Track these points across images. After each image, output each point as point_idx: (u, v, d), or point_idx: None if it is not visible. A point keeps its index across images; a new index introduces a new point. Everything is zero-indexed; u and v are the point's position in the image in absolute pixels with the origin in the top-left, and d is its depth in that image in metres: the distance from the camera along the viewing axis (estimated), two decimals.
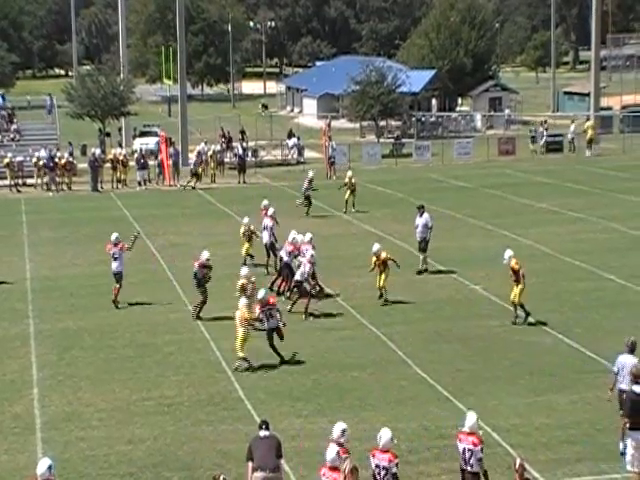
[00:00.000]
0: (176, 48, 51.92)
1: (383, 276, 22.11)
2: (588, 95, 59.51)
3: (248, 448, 12.30)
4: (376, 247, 22.17)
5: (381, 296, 22.20)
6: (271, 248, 25.01)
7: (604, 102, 62.33)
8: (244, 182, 42.57)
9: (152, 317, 21.79)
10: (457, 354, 18.68)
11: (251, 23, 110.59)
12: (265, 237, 25.13)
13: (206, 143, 45.58)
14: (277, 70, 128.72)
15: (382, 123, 58.49)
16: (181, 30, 50.28)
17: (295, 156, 49.89)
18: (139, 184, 42.08)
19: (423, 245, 24.95)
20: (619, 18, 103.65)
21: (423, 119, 62.14)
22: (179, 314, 21.94)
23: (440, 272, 24.98)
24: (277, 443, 12.29)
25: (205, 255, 21.30)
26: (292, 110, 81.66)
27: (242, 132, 53.88)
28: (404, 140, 53.86)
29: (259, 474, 12.07)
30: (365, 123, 59.40)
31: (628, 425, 12.85)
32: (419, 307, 22.00)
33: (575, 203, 33.50)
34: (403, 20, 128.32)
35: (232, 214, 34.24)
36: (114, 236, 22.64)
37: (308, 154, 50.50)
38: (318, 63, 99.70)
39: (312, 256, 21.93)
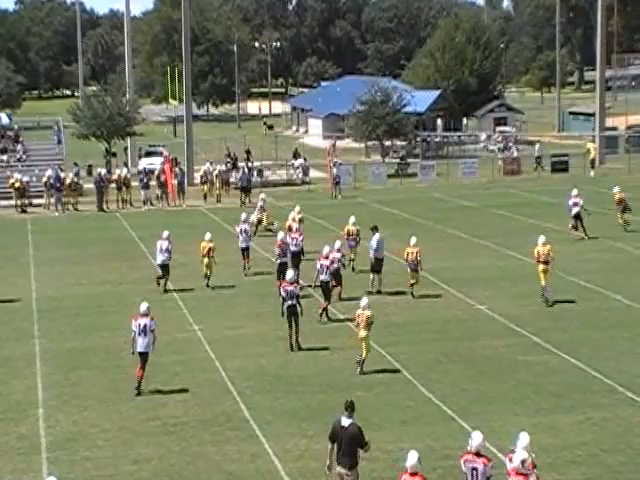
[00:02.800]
0: (182, 68, 52.23)
1: None
2: (593, 115, 59.63)
3: (332, 431, 12.72)
4: (365, 302, 19.22)
5: None
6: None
7: (609, 122, 62.44)
8: (249, 201, 42.65)
9: (158, 337, 21.77)
10: (463, 374, 18.64)
11: (256, 43, 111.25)
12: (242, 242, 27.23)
13: (211, 163, 45.74)
14: (282, 90, 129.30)
15: (387, 143, 58.64)
16: (187, 50, 50.59)
17: (300, 176, 50.03)
18: (144, 203, 42.22)
19: (377, 266, 24.64)
20: (624, 38, 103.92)
21: (428, 139, 62.30)
22: (185, 334, 21.95)
23: (446, 292, 24.97)
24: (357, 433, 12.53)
25: None
26: (297, 130, 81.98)
27: (247, 152, 54.07)
28: (409, 160, 53.99)
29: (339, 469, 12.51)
30: (370, 143, 59.57)
31: None
32: (425, 327, 21.98)
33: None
34: (408, 40, 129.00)
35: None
36: (144, 306, 18.20)
37: (313, 174, 50.64)
38: (323, 83, 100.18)
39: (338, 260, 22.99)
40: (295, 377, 18.78)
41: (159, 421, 16.74)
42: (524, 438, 11.72)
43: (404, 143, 60.47)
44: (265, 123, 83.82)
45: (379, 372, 18.93)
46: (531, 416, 16.35)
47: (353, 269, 26.85)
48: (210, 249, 25.74)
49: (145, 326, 17.89)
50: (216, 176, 44.59)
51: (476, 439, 11.75)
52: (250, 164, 48.99)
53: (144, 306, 18.14)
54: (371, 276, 25.06)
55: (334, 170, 45.14)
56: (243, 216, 28.31)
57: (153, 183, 43.43)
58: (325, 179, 48.00)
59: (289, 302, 20.26)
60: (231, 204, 42.64)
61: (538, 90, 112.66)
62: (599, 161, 50.98)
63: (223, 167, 46.96)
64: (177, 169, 44.18)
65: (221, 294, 25.42)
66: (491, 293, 24.39)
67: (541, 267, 23.29)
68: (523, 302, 23.73)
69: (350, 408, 12.84)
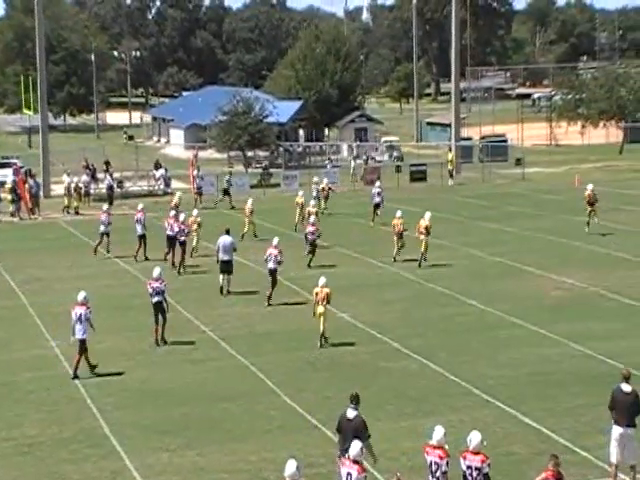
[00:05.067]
0: (36, 77, 50.71)
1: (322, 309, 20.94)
2: (449, 125, 61.42)
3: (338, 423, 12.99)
4: (322, 280, 20.92)
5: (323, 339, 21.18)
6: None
7: (464, 132, 64.48)
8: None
9: (11, 354, 21.02)
10: (326, 382, 18.78)
11: (115, 52, 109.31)
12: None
13: (69, 175, 44.58)
14: (143, 100, 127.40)
15: (250, 153, 58.64)
16: (41, 59, 49.16)
17: (162, 187, 49.37)
18: None
19: (223, 267, 25.50)
20: (477, 52, 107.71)
21: (291, 149, 62.69)
22: (41, 350, 21.25)
23: (309, 301, 25.13)
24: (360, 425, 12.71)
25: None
26: (159, 140, 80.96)
27: (106, 163, 52.97)
28: (272, 170, 54.16)
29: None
30: (233, 153, 59.43)
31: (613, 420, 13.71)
32: (288, 336, 22.04)
33: (438, 230, 34.26)
34: (269, 51, 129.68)
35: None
36: (81, 296, 19.44)
37: (175, 185, 50.07)
38: (185, 93, 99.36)
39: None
40: (157, 391, 18.47)
41: (13, 441, 16.12)
42: (439, 431, 12.07)
43: (267, 153, 60.62)
44: (126, 132, 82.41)
45: (242, 383, 18.85)
46: (393, 421, 16.62)
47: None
48: (199, 224, 30.47)
49: (81, 315, 18.98)
50: (74, 188, 43.49)
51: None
52: (110, 175, 48.00)
53: (81, 295, 19.32)
54: (220, 277, 25.59)
55: (197, 180, 44.78)
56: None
57: (3, 195, 42.02)
58: (188, 189, 47.53)
59: (155, 298, 20.80)
60: (90, 216, 41.64)
61: (397, 101, 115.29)
62: (456, 170, 52.52)
63: (85, 178, 45.86)
64: (32, 181, 42.83)
65: None
66: (353, 301, 24.69)
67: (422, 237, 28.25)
68: (384, 309, 24.16)
69: (355, 400, 13.14)
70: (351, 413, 13.09)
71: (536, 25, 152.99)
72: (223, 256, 25.65)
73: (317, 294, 20.89)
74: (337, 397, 17.88)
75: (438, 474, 11.95)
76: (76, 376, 19.04)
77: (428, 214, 29.15)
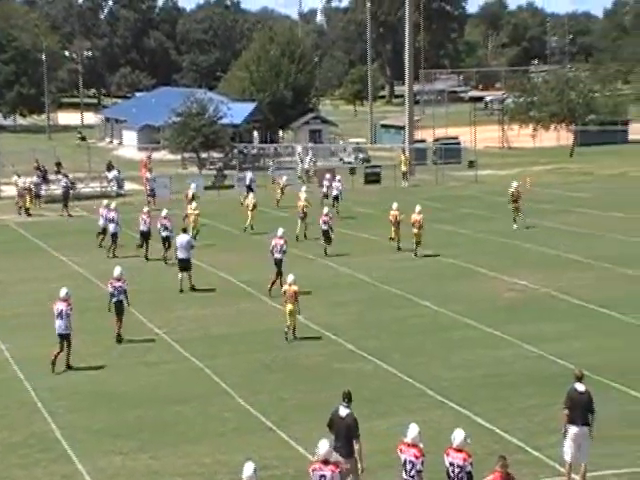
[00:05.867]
0: None
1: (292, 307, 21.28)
2: (403, 128, 61.73)
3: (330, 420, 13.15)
4: (291, 278, 21.40)
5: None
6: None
7: (418, 135, 64.86)
8: (69, 215, 41.45)
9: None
10: (281, 384, 18.76)
11: (67, 52, 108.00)
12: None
13: (19, 176, 43.97)
14: (95, 101, 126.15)
15: (204, 155, 58.37)
16: None
17: (115, 188, 48.94)
18: None
19: (181, 263, 26.15)
20: (431, 54, 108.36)
21: (245, 151, 62.52)
22: None
23: (264, 303, 25.10)
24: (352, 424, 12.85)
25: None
26: (111, 141, 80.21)
27: (58, 164, 52.32)
28: (226, 172, 53.96)
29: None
30: (187, 155, 59.10)
31: (567, 418, 13.85)
32: (243, 338, 21.98)
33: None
34: (224, 52, 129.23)
35: (48, 249, 33.20)
36: (63, 292, 19.81)
37: (129, 186, 49.66)
38: (138, 94, 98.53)
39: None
40: (110, 394, 18.29)
41: None
42: (413, 429, 12.21)
43: (221, 155, 60.38)
44: (80, 133, 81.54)
45: (197, 385, 18.75)
46: None
47: None
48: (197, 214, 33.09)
49: (62, 311, 19.30)
50: (25, 189, 42.93)
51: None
52: (61, 176, 47.43)
53: (63, 291, 19.72)
54: (179, 275, 26.09)
55: (150, 182, 44.46)
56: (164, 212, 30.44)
57: None
58: (141, 191, 47.18)
59: (116, 298, 21.16)
60: (42, 218, 41.16)
61: (351, 103, 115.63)
62: (410, 172, 52.80)
63: (34, 179, 45.27)
64: None
65: (29, 312, 24.43)
66: (308, 302, 24.62)
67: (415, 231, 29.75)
68: (339, 311, 24.20)
69: (348, 398, 13.20)
70: (343, 411, 13.19)
71: (488, 28, 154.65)
72: (180, 254, 26.13)
73: (285, 292, 21.31)
74: (292, 399, 17.90)
75: (413, 472, 12.04)
76: (70, 366, 19.52)
77: (418, 207, 30.70)
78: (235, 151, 60.84)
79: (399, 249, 31.26)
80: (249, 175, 44.79)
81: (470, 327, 22.33)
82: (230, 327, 22.94)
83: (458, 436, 12.09)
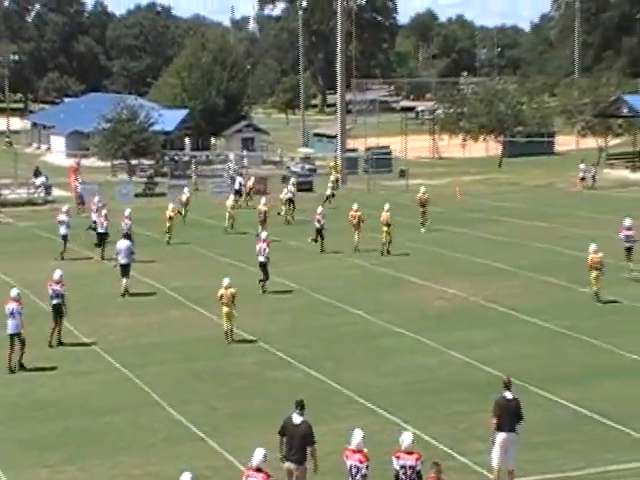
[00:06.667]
0: None
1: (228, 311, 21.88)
2: (335, 137, 62.09)
3: (283, 427, 13.25)
4: (227, 281, 21.98)
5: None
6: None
7: (350, 144, 65.31)
8: None
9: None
10: (212, 393, 18.72)
11: None
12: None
13: None
14: (22, 106, 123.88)
15: (134, 162, 57.86)
16: None
17: (42, 195, 48.20)
18: None
19: (122, 271, 26.54)
20: (362, 64, 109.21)
21: (177, 158, 62.17)
22: None
23: (194, 311, 25.04)
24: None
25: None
26: (39, 147, 78.96)
27: None
28: (157, 179, 53.57)
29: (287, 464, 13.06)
30: (117, 161, 58.51)
31: (495, 426, 14.05)
32: (173, 347, 21.87)
33: (326, 241, 34.68)
34: (155, 58, 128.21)
35: None
36: (14, 292, 20.36)
37: (57, 193, 48.96)
38: (67, 99, 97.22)
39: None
40: (37, 404, 18.03)
41: None
42: (357, 434, 12.39)
43: (152, 162, 59.92)
44: (9, 137, 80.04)
45: (126, 395, 18.60)
46: (277, 433, 16.65)
47: None
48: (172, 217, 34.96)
49: (13, 310, 19.66)
50: None
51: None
52: None
53: (14, 292, 20.21)
54: (124, 281, 26.50)
55: (79, 188, 43.95)
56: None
57: None
58: (69, 198, 46.56)
59: (55, 301, 21.42)
60: None
61: (283, 112, 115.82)
62: (342, 181, 53.14)
63: None
64: None
65: None
66: (238, 311, 24.61)
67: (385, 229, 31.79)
68: (270, 319, 24.24)
69: (301, 406, 13.36)
70: (297, 419, 13.32)
71: (419, 40, 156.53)
72: (122, 260, 26.48)
73: (222, 295, 21.67)
74: (223, 408, 17.89)
75: (358, 477, 12.23)
76: (12, 371, 19.72)
77: (387, 205, 32.86)
78: (166, 158, 60.45)
79: (357, 250, 32.56)
80: (238, 179, 47.18)
81: (400, 335, 22.60)
82: (160, 336, 22.81)
83: (407, 438, 12.39)
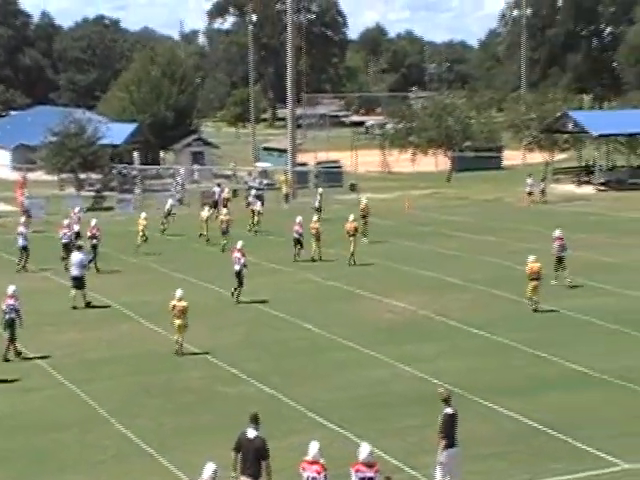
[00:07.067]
0: None
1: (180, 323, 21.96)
2: (286, 151, 62.15)
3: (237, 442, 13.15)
4: (179, 293, 22.14)
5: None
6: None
7: (300, 158, 65.42)
8: None
9: None
10: (161, 408, 18.55)
11: None
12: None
13: None
14: None
15: (83, 176, 57.27)
16: None
17: None
18: None
19: (74, 282, 26.72)
20: (312, 79, 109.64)
21: (125, 172, 61.68)
22: None
23: (143, 326, 24.81)
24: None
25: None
26: None
27: None
28: (106, 193, 53.08)
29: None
30: (64, 175, 57.86)
31: (445, 443, 13.99)
32: (121, 362, 21.64)
33: (275, 255, 34.70)
34: (103, 72, 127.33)
35: None
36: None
37: (2, 207, 48.25)
38: (13, 112, 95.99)
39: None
40: None
41: None
42: (314, 446, 12.42)
43: (100, 176, 59.37)
44: None
45: (74, 412, 18.35)
46: (227, 448, 16.52)
47: None
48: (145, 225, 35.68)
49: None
50: None
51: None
52: None
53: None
54: (72, 292, 26.67)
55: (25, 202, 43.39)
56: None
57: None
58: (15, 212, 45.92)
59: (8, 316, 21.60)
60: None
61: (233, 125, 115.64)
62: (292, 195, 53.20)
63: None
64: None
65: None
66: (189, 325, 24.46)
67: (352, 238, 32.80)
68: (220, 334, 24.13)
69: (255, 420, 13.24)
70: (251, 433, 13.24)
71: (369, 54, 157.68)
72: (74, 272, 26.57)
73: (174, 307, 21.78)
74: (172, 423, 17.73)
75: None
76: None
77: (352, 216, 34.16)
78: (115, 172, 59.94)
79: (313, 260, 33.48)
80: (217, 189, 47.40)
81: (350, 349, 22.63)
82: (109, 350, 22.56)
83: (364, 450, 12.39)
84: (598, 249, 35.32)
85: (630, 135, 60.68)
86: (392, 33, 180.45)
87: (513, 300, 27.10)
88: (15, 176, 56.52)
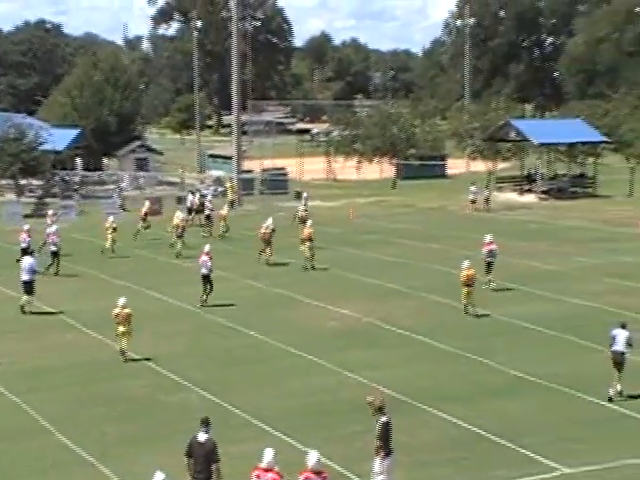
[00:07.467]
0: None
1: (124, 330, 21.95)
2: (231, 158, 61.94)
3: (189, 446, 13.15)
4: (123, 300, 22.12)
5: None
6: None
7: (246, 165, 65.27)
8: None
9: None
10: (103, 417, 18.32)
11: None
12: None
13: None
14: None
15: (23, 181, 56.39)
16: None
17: None
18: None
19: (25, 287, 26.78)
20: (258, 86, 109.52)
21: (67, 178, 60.89)
22: None
23: (83, 334, 24.48)
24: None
25: None
26: None
27: None
28: (47, 200, 52.33)
29: None
30: (4, 181, 56.91)
31: (385, 452, 14.06)
32: (62, 371, 21.34)
33: (220, 263, 34.39)
34: (44, 76, 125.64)
35: None
36: None
37: None
38: None
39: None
40: None
41: None
42: (269, 453, 12.44)
43: (41, 182, 58.51)
44: None
45: (13, 422, 18.02)
46: (171, 456, 16.36)
47: None
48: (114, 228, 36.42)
49: None
50: None
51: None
52: None
53: None
54: (24, 297, 26.71)
55: None
56: None
57: None
58: None
59: None
60: None
61: (178, 132, 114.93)
62: (238, 202, 53.00)
63: None
64: None
65: None
66: (133, 333, 24.21)
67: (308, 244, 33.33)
68: (163, 342, 23.92)
69: (205, 424, 13.17)
70: (202, 437, 13.22)
71: (314, 62, 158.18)
72: (24, 277, 26.54)
73: (117, 314, 21.74)
74: (114, 433, 17.52)
75: None
76: None
77: (310, 222, 34.70)
78: (57, 178, 59.14)
79: (268, 264, 34.09)
80: (190, 197, 46.94)
81: (295, 356, 22.60)
82: (49, 360, 22.22)
83: (312, 458, 12.42)
84: (538, 257, 35.83)
85: (570, 144, 61.70)
86: (337, 41, 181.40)
87: (454, 307, 27.34)
88: None
